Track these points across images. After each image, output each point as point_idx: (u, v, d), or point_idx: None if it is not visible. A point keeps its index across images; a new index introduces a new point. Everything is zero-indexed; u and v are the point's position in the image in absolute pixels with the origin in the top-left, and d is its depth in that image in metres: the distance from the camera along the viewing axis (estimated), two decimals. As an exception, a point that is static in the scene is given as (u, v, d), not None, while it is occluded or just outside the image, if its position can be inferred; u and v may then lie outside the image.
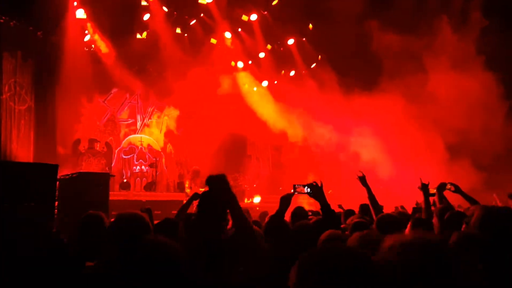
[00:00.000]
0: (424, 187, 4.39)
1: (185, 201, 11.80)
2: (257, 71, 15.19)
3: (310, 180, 3.75)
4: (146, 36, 13.57)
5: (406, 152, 12.44)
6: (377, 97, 12.84)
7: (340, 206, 6.79)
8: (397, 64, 12.65)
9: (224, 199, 2.73)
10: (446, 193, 4.60)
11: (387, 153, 12.66)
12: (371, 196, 4.34)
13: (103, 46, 13.14)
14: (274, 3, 13.97)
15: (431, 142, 12.54)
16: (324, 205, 3.46)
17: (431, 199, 4.54)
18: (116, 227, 2.58)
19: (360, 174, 4.52)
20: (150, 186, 13.27)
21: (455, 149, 12.35)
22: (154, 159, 13.96)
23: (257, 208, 11.90)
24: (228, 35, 14.36)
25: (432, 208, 4.65)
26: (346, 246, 1.42)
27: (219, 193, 2.74)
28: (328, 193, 3.60)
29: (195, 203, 3.38)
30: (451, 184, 4.48)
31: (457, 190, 4.46)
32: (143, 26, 13.42)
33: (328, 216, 3.46)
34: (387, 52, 12.89)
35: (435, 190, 4.51)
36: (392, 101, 12.64)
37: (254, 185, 15.62)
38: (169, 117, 15.79)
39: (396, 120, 12.68)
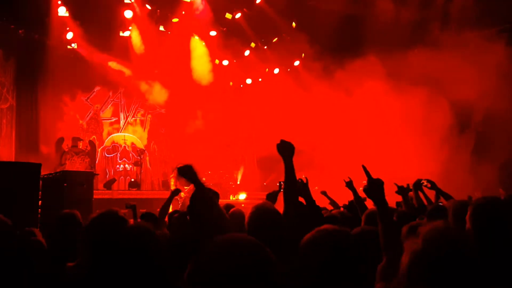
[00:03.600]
0: (402, 190, 4.49)
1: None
2: (242, 69, 15.28)
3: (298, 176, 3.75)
4: (129, 33, 13.53)
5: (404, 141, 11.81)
6: (370, 84, 12.53)
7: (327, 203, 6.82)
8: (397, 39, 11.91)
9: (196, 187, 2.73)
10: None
11: (381, 143, 12.12)
12: (358, 199, 4.41)
13: (85, 44, 13.05)
14: (258, 1, 14.01)
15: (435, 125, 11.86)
16: (309, 201, 3.48)
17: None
18: (91, 226, 2.53)
19: (347, 180, 4.62)
20: (135, 184, 13.24)
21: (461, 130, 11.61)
22: (138, 157, 13.93)
23: (243, 205, 11.96)
24: (212, 33, 14.40)
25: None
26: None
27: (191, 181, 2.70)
28: (314, 189, 3.64)
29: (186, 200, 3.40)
30: (428, 181, 4.60)
31: (433, 186, 4.59)
32: (126, 24, 13.37)
33: (312, 212, 3.49)
34: (383, 25, 12.02)
35: (411, 187, 4.63)
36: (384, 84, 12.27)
37: (238, 182, 15.69)
38: (152, 115, 15.76)
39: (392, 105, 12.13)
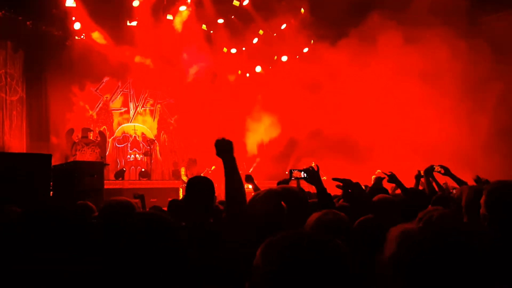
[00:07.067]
0: (393, 178, 4.40)
1: (180, 189, 11.79)
2: (251, 57, 15.15)
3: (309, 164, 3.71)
4: (137, 23, 13.46)
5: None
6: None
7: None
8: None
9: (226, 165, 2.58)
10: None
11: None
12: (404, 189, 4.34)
13: (93, 34, 13.02)
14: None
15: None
16: (320, 189, 3.41)
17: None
18: (101, 215, 2.49)
19: (389, 173, 4.51)
20: (145, 174, 13.29)
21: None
22: (148, 147, 13.94)
23: (252, 194, 11.92)
24: (220, 21, 14.28)
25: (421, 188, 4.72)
26: (313, 232, 1.30)
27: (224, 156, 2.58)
28: (323, 179, 3.58)
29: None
30: (441, 166, 4.46)
31: (447, 172, 4.45)
32: (133, 14, 13.30)
33: (323, 200, 3.44)
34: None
35: (422, 173, 4.53)
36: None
37: (250, 171, 15.64)
38: (162, 105, 15.75)
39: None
